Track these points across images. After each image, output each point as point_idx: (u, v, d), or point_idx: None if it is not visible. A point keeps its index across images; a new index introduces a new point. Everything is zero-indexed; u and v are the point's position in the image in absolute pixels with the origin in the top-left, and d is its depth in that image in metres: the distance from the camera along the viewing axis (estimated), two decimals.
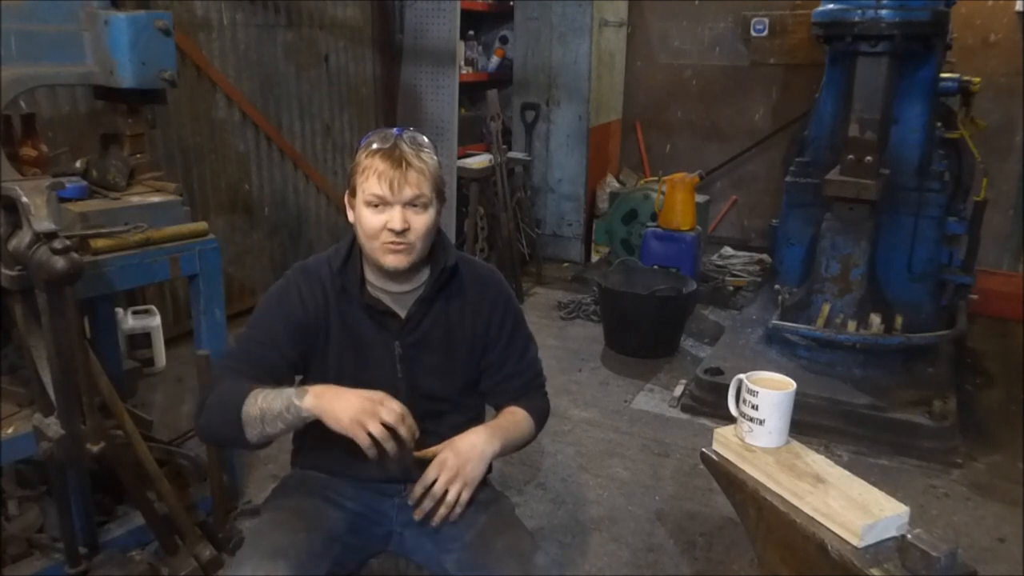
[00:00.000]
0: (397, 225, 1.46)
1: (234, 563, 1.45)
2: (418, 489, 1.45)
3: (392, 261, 1.50)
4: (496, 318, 1.64)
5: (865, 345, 3.18)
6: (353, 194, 1.51)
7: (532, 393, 1.71)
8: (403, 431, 1.37)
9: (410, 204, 1.47)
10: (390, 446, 1.35)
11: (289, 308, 1.57)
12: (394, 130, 1.50)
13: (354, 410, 1.36)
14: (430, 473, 1.46)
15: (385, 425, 1.35)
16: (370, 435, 1.34)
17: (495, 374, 1.66)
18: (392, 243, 1.48)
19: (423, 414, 1.60)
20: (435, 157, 1.51)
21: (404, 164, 1.45)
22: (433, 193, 1.50)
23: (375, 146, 1.48)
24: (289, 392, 1.42)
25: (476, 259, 1.75)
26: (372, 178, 1.45)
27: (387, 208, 1.46)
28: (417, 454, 1.45)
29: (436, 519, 1.48)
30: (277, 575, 1.36)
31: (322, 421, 1.39)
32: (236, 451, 2.53)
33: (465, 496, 1.48)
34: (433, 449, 1.50)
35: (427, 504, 1.46)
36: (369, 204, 1.47)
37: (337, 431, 1.37)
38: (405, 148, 1.46)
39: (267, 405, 1.42)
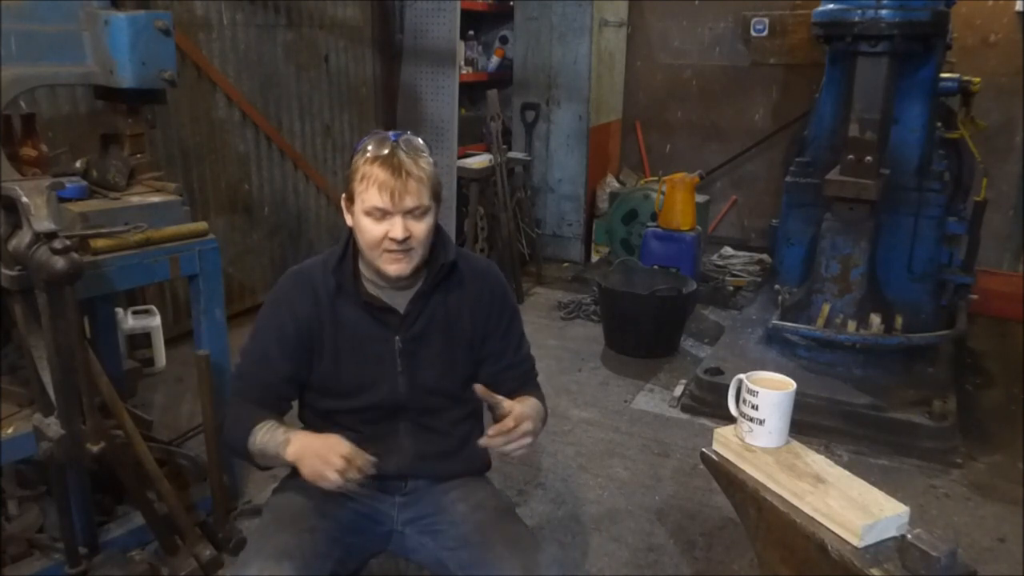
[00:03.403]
0: (399, 234, 1.46)
1: (239, 564, 1.46)
2: (495, 431, 1.46)
3: (395, 270, 1.51)
4: (495, 309, 1.65)
5: (865, 345, 3.18)
6: (351, 199, 1.51)
7: (530, 384, 1.72)
8: (356, 469, 1.41)
9: (410, 213, 1.47)
10: (350, 486, 1.42)
11: (281, 320, 1.59)
12: (390, 135, 1.49)
13: (310, 471, 1.43)
14: (510, 423, 1.46)
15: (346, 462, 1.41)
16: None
17: (493, 364, 1.67)
18: (394, 252, 1.48)
19: (423, 409, 1.61)
20: (431, 160, 1.52)
21: (404, 173, 1.45)
22: (432, 199, 1.50)
23: (372, 153, 1.47)
24: (279, 439, 1.51)
25: (473, 254, 1.77)
26: (372, 189, 1.45)
27: (388, 218, 1.47)
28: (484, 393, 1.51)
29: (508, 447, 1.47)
30: (283, 575, 1.37)
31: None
32: None
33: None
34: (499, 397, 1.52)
35: (499, 440, 1.46)
36: (369, 215, 1.47)
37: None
38: (403, 156, 1.46)
39: (264, 448, 1.53)
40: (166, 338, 3.59)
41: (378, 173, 1.45)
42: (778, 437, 1.61)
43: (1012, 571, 2.36)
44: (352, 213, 1.52)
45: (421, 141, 1.52)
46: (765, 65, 5.41)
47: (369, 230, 1.48)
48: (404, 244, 1.48)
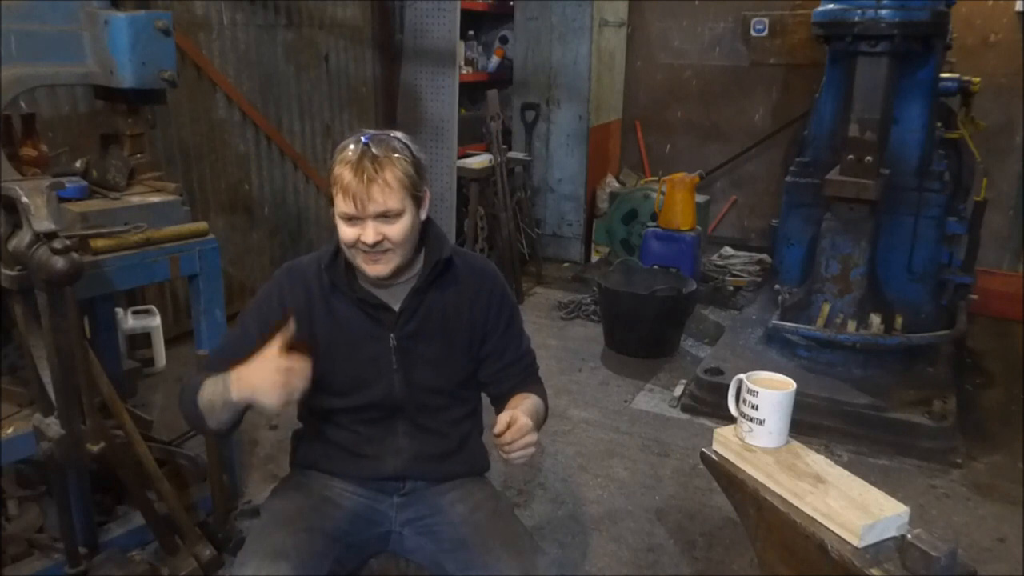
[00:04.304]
0: (369, 239, 1.45)
1: (236, 563, 1.46)
2: (505, 438, 1.44)
3: (373, 271, 1.50)
4: (494, 306, 1.64)
5: (865, 345, 3.18)
6: (332, 202, 1.51)
7: (532, 378, 1.71)
8: (298, 378, 1.35)
9: (380, 217, 1.45)
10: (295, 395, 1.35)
11: (268, 311, 1.58)
12: (363, 137, 1.46)
13: (274, 395, 1.34)
14: (516, 432, 1.44)
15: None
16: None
17: (495, 362, 1.66)
18: (370, 253, 1.48)
19: (420, 408, 1.60)
20: (407, 160, 1.46)
21: (367, 179, 1.42)
22: (404, 201, 1.46)
23: (343, 156, 1.45)
24: (224, 382, 1.43)
25: (470, 252, 1.76)
26: (340, 194, 1.45)
27: (358, 222, 1.46)
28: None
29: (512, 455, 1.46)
30: (279, 575, 1.36)
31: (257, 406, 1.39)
32: (236, 451, 2.53)
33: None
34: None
35: (509, 436, 1.43)
36: (342, 218, 1.47)
37: (273, 411, 1.37)
38: (368, 162, 1.42)
39: (213, 397, 1.46)
40: (166, 338, 3.59)
41: (346, 178, 1.43)
42: (778, 437, 1.61)
43: (1012, 571, 2.36)
44: (334, 214, 1.52)
45: (399, 141, 1.48)
46: (765, 65, 5.41)
47: (344, 232, 1.48)
48: (378, 247, 1.47)
